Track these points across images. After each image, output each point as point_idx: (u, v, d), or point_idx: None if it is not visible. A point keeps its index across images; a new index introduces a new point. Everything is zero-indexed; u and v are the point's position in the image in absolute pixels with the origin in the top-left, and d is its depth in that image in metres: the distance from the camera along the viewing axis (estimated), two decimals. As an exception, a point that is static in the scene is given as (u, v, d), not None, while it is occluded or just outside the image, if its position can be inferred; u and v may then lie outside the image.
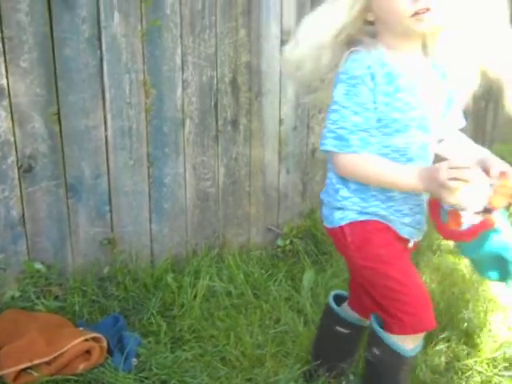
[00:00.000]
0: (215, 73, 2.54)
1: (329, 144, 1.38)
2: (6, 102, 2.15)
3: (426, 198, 1.52)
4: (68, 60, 2.23)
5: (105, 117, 2.35)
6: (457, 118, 1.58)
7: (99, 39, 2.27)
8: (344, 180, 1.47)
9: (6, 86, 2.14)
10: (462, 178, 1.21)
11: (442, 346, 2.09)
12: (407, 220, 1.52)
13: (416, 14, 1.28)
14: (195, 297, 2.33)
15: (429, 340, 2.03)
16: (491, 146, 3.78)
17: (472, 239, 1.31)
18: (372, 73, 1.33)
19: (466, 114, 3.59)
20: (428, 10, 1.28)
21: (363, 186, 1.45)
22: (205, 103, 2.56)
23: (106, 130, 2.36)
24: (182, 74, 2.48)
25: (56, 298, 2.30)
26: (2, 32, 2.09)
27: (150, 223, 2.57)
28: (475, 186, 1.22)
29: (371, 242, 1.48)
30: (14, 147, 2.20)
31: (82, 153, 2.33)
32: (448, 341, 2.14)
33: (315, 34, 1.37)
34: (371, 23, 1.38)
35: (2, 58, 2.11)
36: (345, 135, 1.34)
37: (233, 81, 2.60)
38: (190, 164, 2.60)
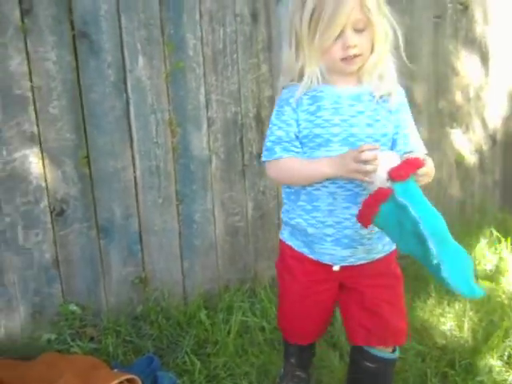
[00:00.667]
0: (239, 108, 2.57)
1: (262, 156, 1.62)
2: (37, 149, 2.21)
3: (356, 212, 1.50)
4: (95, 104, 2.29)
5: (133, 158, 2.40)
6: (406, 143, 1.58)
7: (125, 83, 2.33)
8: (286, 193, 1.66)
9: (37, 133, 2.20)
10: (368, 158, 1.36)
11: (483, 377, 2.04)
12: (330, 231, 1.56)
13: (345, 59, 1.48)
14: (229, 333, 2.31)
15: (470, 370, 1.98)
16: None
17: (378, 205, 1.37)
18: (298, 97, 1.54)
19: (494, 134, 3.52)
20: (355, 56, 1.48)
21: (294, 196, 1.61)
22: (230, 139, 2.59)
23: (134, 170, 2.41)
24: (207, 111, 2.52)
25: (91, 339, 2.31)
26: (31, 81, 2.16)
27: (182, 260, 2.58)
28: (380, 163, 1.36)
29: (284, 265, 1.71)
30: (45, 192, 2.25)
31: (111, 194, 2.38)
32: (490, 371, 2.08)
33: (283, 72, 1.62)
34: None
35: (32, 106, 2.18)
36: (271, 146, 1.57)
37: (257, 115, 2.63)
38: (219, 200, 2.61)
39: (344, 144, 1.51)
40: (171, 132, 2.46)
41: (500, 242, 3.16)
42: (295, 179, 1.58)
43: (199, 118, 2.51)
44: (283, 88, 1.61)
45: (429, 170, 1.48)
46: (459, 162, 3.42)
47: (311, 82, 1.53)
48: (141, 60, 2.35)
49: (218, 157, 2.57)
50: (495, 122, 3.56)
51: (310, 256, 1.63)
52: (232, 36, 2.53)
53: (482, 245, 3.16)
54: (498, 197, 3.70)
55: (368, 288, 1.64)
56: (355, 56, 1.48)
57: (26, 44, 2.14)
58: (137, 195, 2.43)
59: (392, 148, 1.56)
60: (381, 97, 1.55)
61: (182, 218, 2.55)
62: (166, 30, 2.39)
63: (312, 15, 1.44)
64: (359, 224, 1.46)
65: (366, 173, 1.38)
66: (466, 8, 3.28)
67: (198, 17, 2.45)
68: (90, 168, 2.32)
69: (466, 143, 3.44)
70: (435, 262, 1.30)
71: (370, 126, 1.53)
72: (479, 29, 3.36)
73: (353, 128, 1.51)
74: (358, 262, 1.61)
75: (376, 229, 1.51)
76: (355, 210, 1.47)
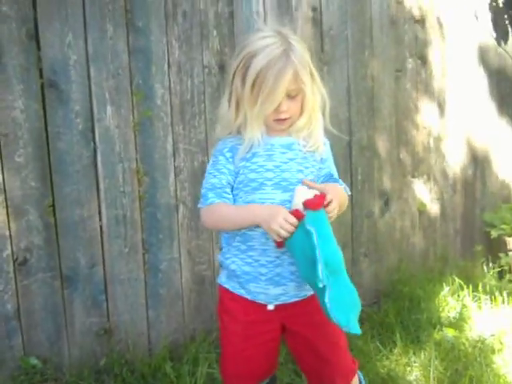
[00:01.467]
0: (206, 158, 2.59)
1: (199, 203, 1.67)
2: (1, 197, 2.18)
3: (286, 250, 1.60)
4: (62, 153, 2.28)
5: (99, 206, 2.38)
6: (327, 171, 1.74)
7: (92, 131, 2.33)
8: (223, 237, 1.73)
9: (2, 181, 2.17)
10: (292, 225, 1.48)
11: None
12: (264, 270, 1.63)
13: (277, 120, 1.62)
14: (195, 385, 2.28)
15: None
16: (482, 213, 3.83)
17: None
18: (232, 147, 1.65)
19: (454, 183, 3.64)
20: (285, 119, 1.62)
21: (230, 238, 1.68)
22: (197, 188, 2.56)
23: (100, 219, 2.39)
24: (174, 160, 2.54)
25: (52, 394, 2.24)
26: (-3, 129, 2.15)
27: (147, 310, 2.54)
28: (298, 194, 1.53)
29: (223, 308, 1.75)
30: (9, 241, 2.21)
31: (76, 243, 2.34)
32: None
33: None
34: None
35: (-2, 155, 2.16)
36: (205, 193, 1.65)
37: (224, 165, 2.65)
38: (185, 248, 2.60)
39: (277, 188, 1.61)
40: (138, 181, 2.46)
41: (462, 289, 3.21)
42: (225, 224, 1.65)
43: (166, 167, 2.52)
44: (219, 140, 1.70)
45: (341, 200, 1.59)
46: (421, 210, 3.50)
47: (252, 143, 1.63)
48: (109, 109, 2.36)
49: (186, 205, 2.58)
50: (455, 172, 3.67)
51: (247, 296, 1.68)
52: (200, 87, 2.57)
53: (445, 292, 3.21)
54: (459, 245, 3.77)
55: (306, 327, 1.69)
56: (285, 119, 1.62)
57: (-7, 92, 2.13)
58: (102, 244, 2.41)
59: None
60: (308, 150, 1.68)
61: (147, 266, 2.52)
62: (134, 79, 2.42)
63: (254, 83, 1.54)
64: (287, 261, 1.61)
65: (283, 233, 1.48)
66: (424, 62, 3.41)
67: (166, 67, 2.49)
68: (55, 216, 2.29)
69: (428, 192, 3.53)
70: (321, 285, 1.40)
71: (300, 172, 1.64)
72: (437, 82, 3.50)
73: (284, 173, 1.63)
74: (291, 300, 1.67)
75: None
76: (284, 248, 1.58)
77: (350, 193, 1.73)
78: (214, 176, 1.64)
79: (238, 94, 1.59)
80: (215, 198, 1.62)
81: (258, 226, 1.57)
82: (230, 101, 1.63)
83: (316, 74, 1.64)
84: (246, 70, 1.55)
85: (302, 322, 1.69)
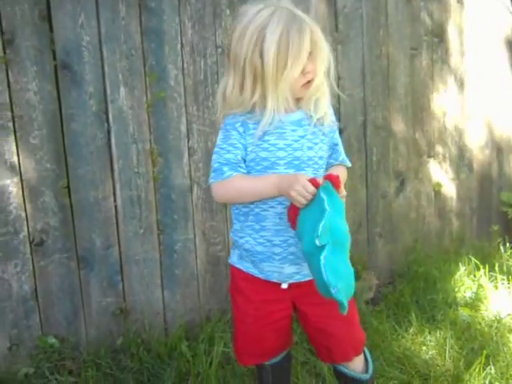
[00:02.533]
0: (220, 138, 2.58)
1: (210, 178, 1.64)
2: (16, 179, 2.19)
3: None
4: (76, 134, 2.29)
5: (114, 187, 2.39)
6: (337, 157, 1.74)
7: (106, 113, 2.33)
8: (235, 214, 1.70)
9: (17, 163, 2.19)
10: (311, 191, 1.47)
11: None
12: (277, 250, 1.63)
13: (304, 85, 1.59)
14: (211, 364, 2.29)
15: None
16: (498, 193, 3.79)
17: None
18: (243, 122, 1.61)
19: (470, 163, 3.61)
20: (311, 81, 1.59)
21: (243, 216, 1.67)
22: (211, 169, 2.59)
23: (115, 200, 2.40)
24: (188, 141, 2.53)
25: (70, 372, 2.27)
26: (12, 111, 2.16)
27: (162, 290, 2.56)
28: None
29: (235, 288, 1.76)
30: (25, 222, 2.23)
31: (92, 224, 2.36)
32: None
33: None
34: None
35: (13, 137, 2.17)
36: (219, 167, 1.61)
37: (238, 145, 2.64)
38: (200, 229, 2.61)
39: (289, 167, 1.61)
40: (152, 162, 2.46)
41: (479, 269, 3.19)
42: (244, 196, 1.62)
43: (180, 148, 2.52)
44: (227, 115, 1.65)
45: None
46: (437, 190, 3.47)
47: (274, 115, 1.58)
48: (122, 90, 2.36)
49: (200, 186, 2.58)
50: (472, 151, 3.63)
51: (260, 276, 1.68)
52: (213, 67, 2.56)
53: (461, 272, 3.19)
54: (475, 224, 3.75)
55: (316, 307, 1.69)
56: (311, 81, 1.59)
57: (7, 74, 2.14)
58: (117, 225, 2.42)
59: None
60: (318, 119, 1.65)
61: (162, 247, 2.54)
62: (147, 60, 2.41)
63: (278, 51, 1.50)
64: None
65: (300, 200, 1.47)
66: (441, 40, 3.36)
67: (179, 48, 2.47)
68: (70, 198, 2.30)
69: (444, 172, 3.50)
70: (318, 243, 1.39)
71: (310, 149, 1.64)
72: (455, 60, 3.45)
73: (296, 152, 1.61)
74: (304, 279, 1.67)
75: None
76: None
77: (350, 164, 1.76)
78: (228, 151, 1.61)
79: (255, 72, 1.54)
80: (231, 171, 1.59)
81: (278, 202, 1.59)
82: (242, 81, 1.57)
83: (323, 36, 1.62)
84: (263, 43, 1.50)
85: (312, 301, 1.69)
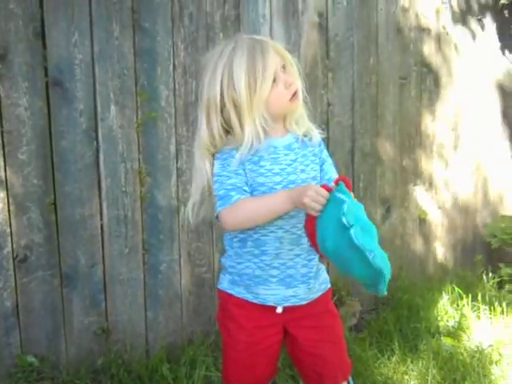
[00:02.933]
0: (209, 160, 2.59)
1: (217, 206, 1.59)
2: (3, 194, 2.18)
3: (301, 253, 1.63)
4: (65, 151, 2.28)
5: (100, 205, 2.38)
6: (329, 176, 1.73)
7: (96, 131, 2.34)
8: (228, 240, 1.69)
9: (4, 178, 2.18)
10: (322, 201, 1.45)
11: None
12: (275, 272, 1.63)
13: (291, 98, 1.60)
14: (192, 388, 2.27)
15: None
16: (483, 223, 3.83)
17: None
18: (238, 149, 1.59)
19: (456, 192, 3.61)
20: (296, 92, 1.61)
21: (240, 243, 1.65)
22: (199, 190, 2.59)
23: (101, 218, 2.39)
24: (177, 162, 2.54)
25: (48, 392, 2.24)
26: (1, 126, 2.16)
27: (145, 311, 2.54)
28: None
29: (226, 315, 1.72)
30: (9, 238, 2.21)
31: (77, 242, 2.35)
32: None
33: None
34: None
35: (1, 151, 2.16)
36: (225, 194, 1.58)
37: (226, 167, 2.65)
38: (185, 250, 2.60)
39: None
40: (140, 181, 2.46)
41: (462, 298, 3.21)
42: (257, 217, 1.58)
43: (169, 168, 2.52)
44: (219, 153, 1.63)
45: None
46: (422, 218, 3.50)
47: (253, 139, 1.58)
48: (113, 109, 2.37)
49: (187, 207, 2.57)
50: (457, 181, 3.67)
51: (254, 301, 1.67)
52: (204, 89, 2.57)
53: (444, 301, 3.20)
54: (459, 253, 3.77)
55: (309, 330, 1.69)
56: (296, 92, 1.61)
57: (-2, 89, 2.14)
58: (103, 243, 2.41)
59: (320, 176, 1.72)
60: (304, 136, 1.68)
61: (147, 267, 2.52)
62: (139, 80, 2.42)
63: (248, 76, 1.54)
64: (300, 264, 1.63)
65: (315, 206, 1.45)
66: (430, 71, 3.42)
67: (171, 69, 2.49)
68: (56, 215, 2.29)
69: (429, 201, 3.53)
70: (345, 223, 1.37)
71: (303, 172, 1.66)
72: (443, 90, 3.50)
73: (290, 176, 1.63)
74: (300, 303, 1.67)
75: (314, 268, 1.67)
76: (298, 251, 1.63)
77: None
78: (230, 177, 1.59)
79: (235, 104, 1.56)
80: (239, 195, 1.57)
81: (278, 227, 1.59)
82: (227, 120, 1.59)
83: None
84: (233, 78, 1.55)
85: (304, 325, 1.69)
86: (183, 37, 2.51)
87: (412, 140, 3.40)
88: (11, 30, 2.14)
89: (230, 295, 1.70)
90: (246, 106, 1.56)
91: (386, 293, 1.44)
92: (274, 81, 1.57)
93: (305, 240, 1.60)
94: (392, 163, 3.30)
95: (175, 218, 2.56)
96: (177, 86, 2.51)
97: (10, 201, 2.20)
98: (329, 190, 1.46)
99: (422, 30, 3.36)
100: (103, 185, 2.38)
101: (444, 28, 3.45)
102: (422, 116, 3.42)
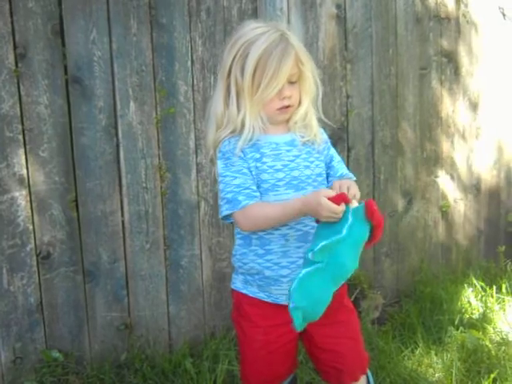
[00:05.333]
0: (229, 155, 2.59)
1: (224, 210, 1.59)
2: (25, 192, 2.20)
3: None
4: (85, 148, 2.30)
5: (121, 202, 2.39)
6: (341, 172, 1.73)
7: (115, 127, 2.35)
8: (238, 239, 1.69)
9: (26, 176, 2.20)
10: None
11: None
12: (285, 272, 1.61)
13: (280, 109, 1.59)
14: (214, 382, 2.27)
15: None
16: (506, 214, 3.77)
17: None
18: (240, 146, 1.59)
19: (478, 183, 3.59)
20: (288, 107, 1.60)
21: (246, 240, 1.65)
22: (219, 185, 2.59)
23: (122, 214, 2.40)
24: (196, 157, 2.54)
25: (73, 387, 2.26)
26: (22, 124, 2.17)
27: (168, 306, 2.55)
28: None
29: (241, 314, 1.71)
30: (32, 235, 2.23)
31: (98, 238, 2.36)
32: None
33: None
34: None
35: (23, 149, 2.18)
36: (232, 197, 1.56)
37: (246, 162, 2.65)
38: (206, 245, 2.61)
39: (289, 187, 1.61)
40: (160, 177, 2.47)
41: (486, 291, 3.17)
42: (269, 223, 1.57)
43: (188, 164, 2.53)
44: (223, 140, 1.62)
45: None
46: (444, 210, 3.46)
47: (253, 133, 1.59)
48: (132, 105, 2.37)
49: (207, 202, 2.58)
50: (479, 171, 3.62)
51: (267, 300, 1.66)
52: (223, 83, 2.57)
53: (468, 293, 3.17)
54: (482, 245, 3.72)
55: (325, 327, 1.67)
56: (288, 106, 1.60)
57: (18, 87, 2.16)
58: (124, 239, 2.42)
59: (329, 174, 1.72)
60: (306, 141, 1.66)
61: (168, 262, 2.53)
62: (157, 76, 2.42)
63: (256, 68, 1.52)
64: None
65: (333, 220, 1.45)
66: (450, 60, 3.37)
67: (189, 64, 2.49)
68: (77, 212, 2.31)
69: (452, 192, 3.49)
70: (310, 257, 1.41)
71: (307, 168, 1.64)
72: (464, 80, 3.45)
73: (293, 171, 1.62)
74: None
75: None
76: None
77: (354, 178, 1.75)
78: (235, 178, 1.58)
79: (237, 85, 1.56)
80: (247, 200, 1.55)
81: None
82: (227, 94, 1.59)
83: (311, 61, 1.63)
84: (245, 58, 1.53)
85: (321, 322, 1.63)
86: (201, 32, 2.50)
87: (433, 131, 3.35)
88: (30, 28, 2.16)
89: (244, 295, 1.70)
90: (247, 96, 1.55)
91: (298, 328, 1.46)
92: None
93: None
94: (413, 154, 3.27)
95: (196, 213, 2.56)
96: (195, 82, 2.51)
97: (33, 198, 2.22)
98: (346, 201, 1.43)
99: (442, 19, 3.31)
100: (124, 181, 2.39)
101: (464, 16, 3.39)
102: (443, 106, 3.37)
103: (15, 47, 2.14)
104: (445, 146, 3.41)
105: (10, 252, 2.20)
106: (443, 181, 3.43)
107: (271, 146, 1.61)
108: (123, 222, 2.41)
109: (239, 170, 1.58)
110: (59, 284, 2.31)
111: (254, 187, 1.58)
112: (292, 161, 1.62)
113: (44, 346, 2.30)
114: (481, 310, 3.01)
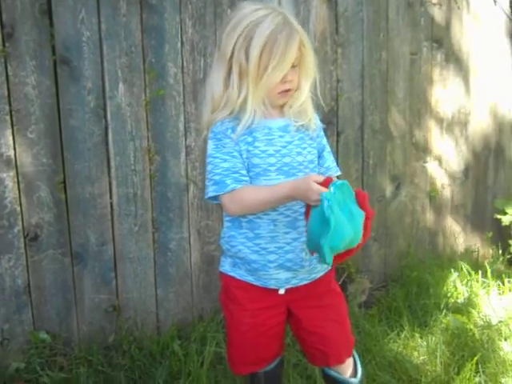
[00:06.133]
0: (218, 138, 2.58)
1: (210, 191, 1.59)
2: (12, 173, 2.18)
3: (298, 236, 1.60)
4: (74, 130, 2.28)
5: (110, 184, 2.38)
6: (328, 164, 1.73)
7: (104, 109, 2.33)
8: (226, 221, 1.69)
9: (13, 157, 2.18)
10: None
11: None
12: (273, 257, 1.62)
13: (281, 92, 1.59)
14: (202, 364, 2.29)
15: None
16: (493, 200, 3.80)
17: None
18: (233, 128, 1.58)
19: (466, 169, 3.61)
20: (289, 90, 1.59)
21: (236, 223, 1.64)
22: (208, 168, 2.59)
23: (110, 197, 2.39)
24: (186, 140, 2.53)
25: (61, 368, 2.27)
26: (10, 105, 2.15)
27: (156, 289, 2.56)
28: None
29: (229, 297, 1.72)
30: (20, 216, 2.22)
31: (87, 220, 2.35)
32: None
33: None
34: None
35: (10, 130, 2.16)
36: (220, 179, 1.56)
37: (235, 145, 2.64)
38: (195, 228, 2.61)
39: (280, 173, 1.60)
40: (149, 159, 2.46)
41: (471, 275, 3.20)
42: (258, 207, 1.57)
43: (178, 146, 2.52)
44: (215, 121, 1.61)
45: None
46: (432, 195, 3.48)
47: (254, 117, 1.57)
48: (121, 87, 2.36)
49: (196, 185, 2.57)
50: (467, 157, 3.64)
51: (256, 283, 1.66)
52: (213, 66, 2.55)
53: (454, 278, 3.20)
54: (469, 230, 3.75)
55: (312, 309, 1.70)
56: (289, 90, 1.59)
57: (6, 68, 2.13)
58: (112, 222, 2.41)
59: (318, 162, 1.70)
60: (302, 125, 1.65)
61: (157, 245, 2.53)
62: (147, 58, 2.40)
63: (262, 51, 1.50)
64: (299, 248, 1.60)
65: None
66: (440, 46, 3.37)
67: (179, 46, 2.47)
68: (65, 193, 2.30)
69: (440, 177, 3.51)
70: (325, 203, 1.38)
71: (299, 155, 1.63)
72: (453, 67, 3.45)
73: (285, 158, 1.61)
74: (301, 283, 1.67)
75: None
76: (295, 235, 1.61)
77: (339, 172, 1.75)
78: (225, 160, 1.57)
79: (240, 68, 1.53)
80: (235, 183, 1.54)
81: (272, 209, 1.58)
82: (228, 78, 1.56)
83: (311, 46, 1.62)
84: (250, 41, 1.50)
85: (308, 304, 1.70)
86: (191, 13, 2.48)
87: (422, 116, 3.36)
88: (17, 7, 2.13)
89: (232, 277, 1.70)
90: (252, 79, 1.53)
91: (328, 262, 1.43)
92: None
93: (301, 223, 1.59)
94: (402, 140, 3.28)
95: (184, 196, 2.56)
96: (185, 64, 2.49)
97: (20, 180, 2.20)
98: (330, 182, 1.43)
99: (433, 5, 3.30)
100: (112, 163, 2.38)
101: (455, 1, 3.39)
102: (433, 92, 3.38)
103: (2, 27, 2.11)
104: (434, 132, 3.42)
105: (-2, 233, 2.19)
106: (432, 166, 3.45)
107: (264, 131, 1.60)
108: (111, 205, 2.40)
109: (230, 153, 1.57)
110: (47, 266, 2.31)
111: (244, 171, 1.57)
112: (284, 147, 1.61)
113: (32, 327, 2.30)
114: (466, 295, 3.05)
